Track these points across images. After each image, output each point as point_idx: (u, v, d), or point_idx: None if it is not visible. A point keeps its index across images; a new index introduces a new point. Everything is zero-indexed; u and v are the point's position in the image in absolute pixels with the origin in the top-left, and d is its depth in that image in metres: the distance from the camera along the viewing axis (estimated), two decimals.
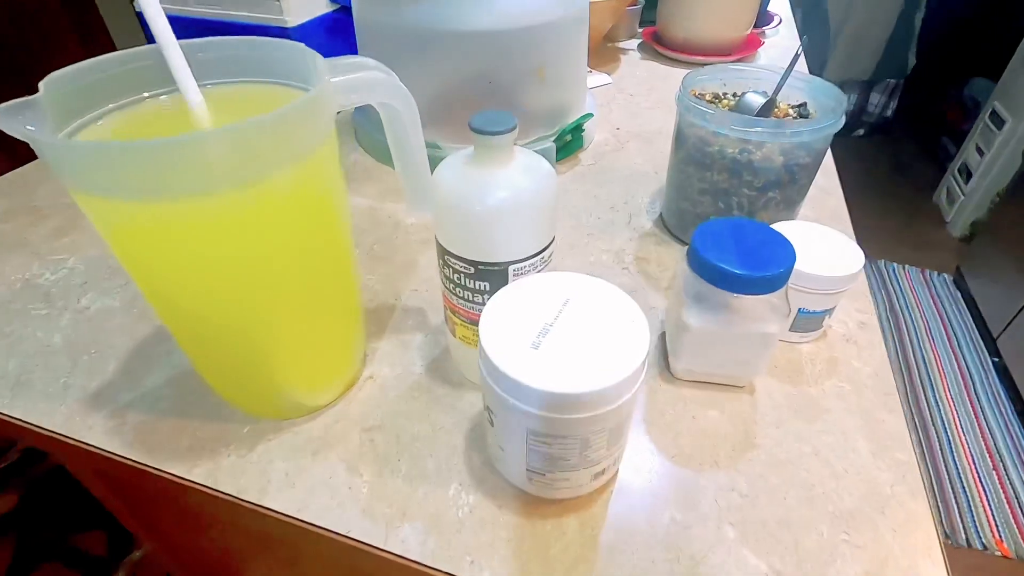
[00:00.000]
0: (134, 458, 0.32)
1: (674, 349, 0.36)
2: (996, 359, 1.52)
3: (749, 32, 0.89)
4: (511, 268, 0.30)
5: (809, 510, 0.30)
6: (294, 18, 0.61)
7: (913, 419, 1.40)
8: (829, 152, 0.61)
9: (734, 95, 0.49)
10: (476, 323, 0.32)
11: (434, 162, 0.33)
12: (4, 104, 0.23)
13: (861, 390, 0.36)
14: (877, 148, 2.56)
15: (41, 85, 0.25)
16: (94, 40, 2.36)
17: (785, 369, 0.38)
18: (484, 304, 0.29)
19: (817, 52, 2.47)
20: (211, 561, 0.57)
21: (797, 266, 0.34)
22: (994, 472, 1.28)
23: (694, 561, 0.28)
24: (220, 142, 0.23)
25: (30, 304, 0.43)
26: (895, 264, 1.86)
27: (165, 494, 0.41)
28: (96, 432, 0.34)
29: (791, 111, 0.47)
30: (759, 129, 0.40)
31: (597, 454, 0.27)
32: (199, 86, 0.28)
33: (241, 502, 0.30)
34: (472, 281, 0.30)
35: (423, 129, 0.34)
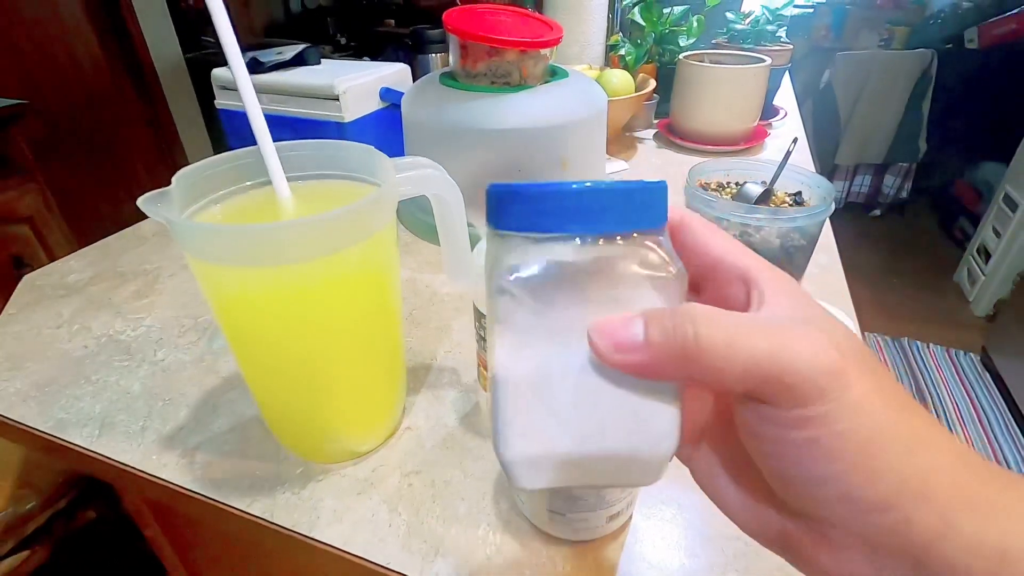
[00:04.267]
0: (202, 492, 0.37)
1: (498, 430, 0.18)
2: None
3: (756, 124, 0.97)
4: None
5: None
6: (350, 115, 0.71)
7: None
8: (831, 232, 0.66)
9: (736, 184, 0.55)
10: None
11: (471, 239, 0.39)
12: (147, 194, 0.30)
13: None
14: (894, 228, 2.61)
15: (173, 179, 0.32)
16: (160, 124, 2.60)
17: None
18: None
19: (828, 138, 2.59)
20: None
21: None
22: None
23: None
24: (310, 228, 0.29)
25: (114, 357, 0.49)
26: (919, 343, 1.85)
27: (214, 530, 0.45)
28: (169, 469, 0.38)
29: (787, 199, 0.52)
30: (758, 216, 0.46)
31: (612, 495, 0.31)
32: (288, 179, 0.35)
33: (294, 534, 0.34)
34: None
35: None
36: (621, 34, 1.12)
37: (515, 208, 0.17)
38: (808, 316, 0.17)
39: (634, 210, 0.17)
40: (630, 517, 0.35)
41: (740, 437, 0.17)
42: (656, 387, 0.17)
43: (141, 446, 0.40)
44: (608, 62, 1.13)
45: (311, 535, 0.34)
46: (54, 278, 0.62)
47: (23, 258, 1.68)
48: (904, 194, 2.65)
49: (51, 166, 1.91)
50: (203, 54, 2.79)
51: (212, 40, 3.06)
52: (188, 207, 0.32)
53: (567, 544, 0.33)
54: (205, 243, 0.29)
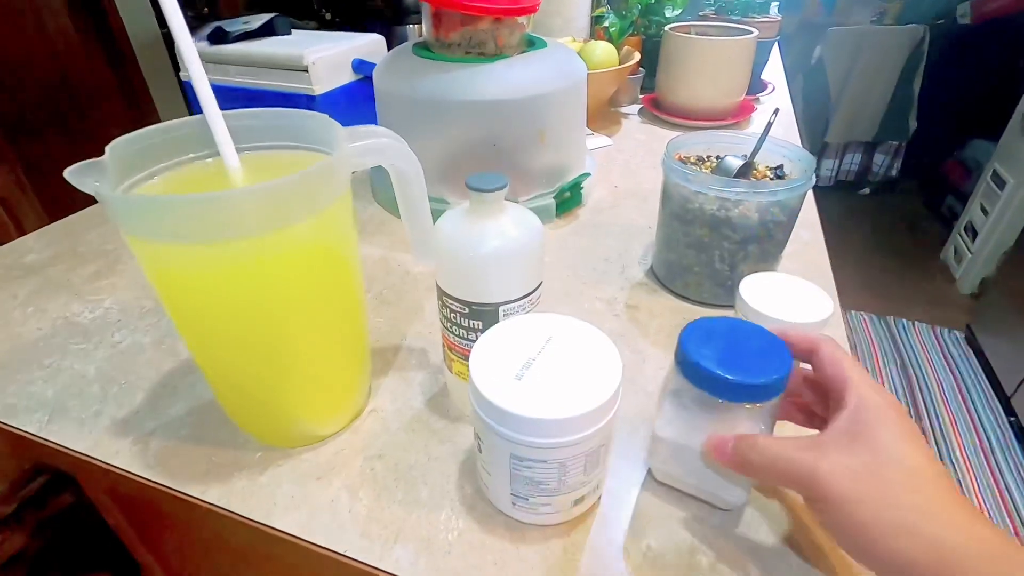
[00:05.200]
0: (155, 479, 0.35)
1: (652, 450, 0.35)
2: (1012, 418, 1.49)
3: (742, 99, 0.95)
4: (501, 308, 0.33)
5: (798, 537, 0.32)
6: (321, 87, 0.68)
7: None
8: (814, 207, 0.64)
9: (716, 157, 0.53)
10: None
11: (435, 215, 0.37)
12: (76, 165, 0.28)
13: None
14: (883, 207, 2.60)
15: (107, 149, 0.30)
16: (137, 100, 2.53)
17: None
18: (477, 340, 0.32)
19: (819, 115, 2.57)
20: None
21: (768, 312, 0.37)
22: (1016, 536, 1.23)
23: None
24: (253, 198, 0.27)
25: (70, 339, 0.47)
26: (904, 321, 1.86)
27: (176, 518, 0.43)
28: (123, 456, 0.37)
29: (769, 172, 0.51)
30: (737, 189, 0.44)
31: (575, 480, 0.29)
32: (237, 150, 0.32)
33: (250, 522, 0.33)
34: (467, 320, 0.34)
35: (436, 186, 0.38)
36: (608, 6, 1.09)
37: (701, 378, 0.29)
38: (854, 432, 0.26)
39: (761, 395, 0.28)
40: (598, 499, 0.34)
41: None
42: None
43: (93, 432, 0.39)
44: (593, 35, 1.10)
45: (268, 523, 0.33)
46: (11, 258, 0.59)
47: None
48: (894, 172, 2.65)
49: (22, 144, 1.85)
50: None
51: (192, 14, 2.96)
52: (124, 180, 0.30)
53: (532, 528, 0.32)
54: (140, 218, 0.27)
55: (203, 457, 0.37)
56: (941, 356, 1.73)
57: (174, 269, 0.29)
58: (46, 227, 0.65)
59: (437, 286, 0.35)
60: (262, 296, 0.30)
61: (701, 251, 0.48)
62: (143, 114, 2.56)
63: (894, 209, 2.59)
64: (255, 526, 0.33)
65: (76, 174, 0.28)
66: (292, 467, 0.36)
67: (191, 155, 0.33)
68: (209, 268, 0.29)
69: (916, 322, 1.86)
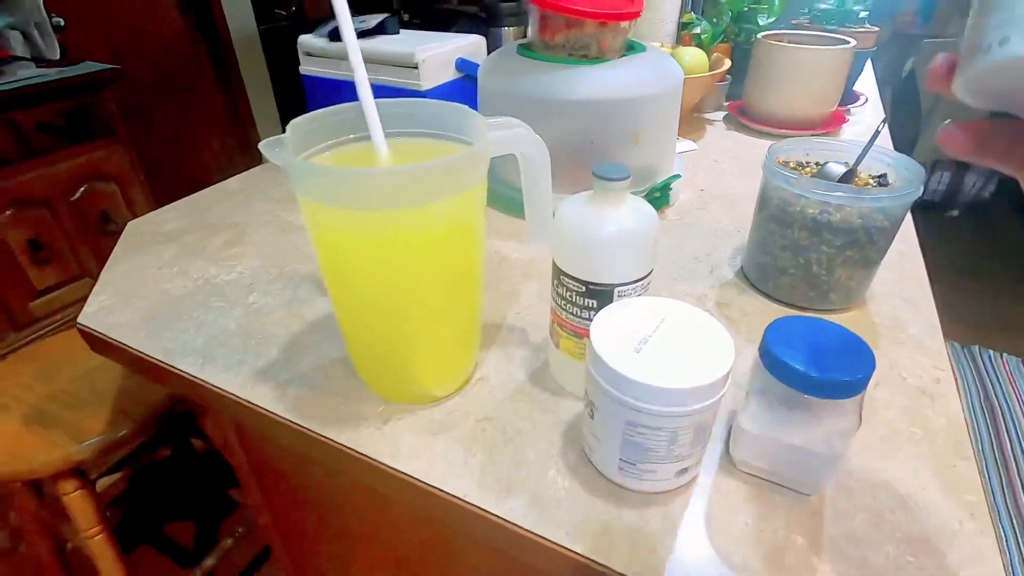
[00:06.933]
0: (296, 421, 0.40)
1: (735, 440, 0.36)
2: None
3: (834, 109, 0.94)
4: (616, 290, 0.36)
5: (877, 532, 0.33)
6: (428, 84, 0.73)
7: (1011, 519, 1.29)
8: (911, 219, 0.64)
9: (816, 164, 0.54)
10: (581, 336, 0.38)
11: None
12: (266, 140, 0.33)
13: (933, 437, 0.39)
14: (972, 230, 2.45)
15: (288, 127, 0.35)
16: (231, 89, 2.71)
17: None
18: (591, 319, 0.35)
19: (907, 130, 2.45)
20: (312, 533, 0.63)
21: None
22: None
23: (765, 561, 0.31)
24: (416, 174, 0.31)
25: (210, 298, 0.53)
26: (991, 352, 1.75)
27: (293, 462, 0.48)
28: (265, 398, 0.42)
29: (871, 181, 0.51)
30: (839, 194, 0.45)
31: (682, 450, 0.32)
32: (386, 135, 0.37)
33: (377, 463, 0.37)
34: (582, 299, 0.37)
35: None
36: (694, 13, 1.10)
37: (788, 375, 0.30)
38: None
39: (847, 391, 0.30)
40: (697, 475, 0.36)
41: None
42: (820, 458, 0.33)
43: (239, 377, 0.44)
44: (679, 41, 1.11)
45: (394, 465, 0.36)
46: (152, 226, 0.67)
47: (110, 213, 1.80)
48: (986, 194, 2.49)
49: (135, 129, 2.03)
50: (276, 26, 2.89)
51: (283, 13, 3.15)
52: (300, 152, 0.35)
53: (634, 494, 0.34)
54: (315, 183, 0.32)
55: (332, 406, 0.41)
56: None
57: (338, 231, 0.34)
58: (176, 202, 0.73)
59: (555, 266, 0.38)
60: (406, 262, 0.34)
61: (798, 254, 0.49)
62: (234, 102, 2.74)
63: (985, 232, 2.43)
64: (380, 467, 0.37)
65: (267, 147, 0.32)
66: (411, 422, 0.40)
67: (351, 135, 0.38)
68: (368, 232, 0.33)
69: (1004, 354, 1.74)
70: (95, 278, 1.87)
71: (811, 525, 0.33)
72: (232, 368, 0.45)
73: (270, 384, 0.43)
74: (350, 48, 0.35)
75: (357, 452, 0.38)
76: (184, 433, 1.07)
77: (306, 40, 0.79)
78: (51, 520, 0.90)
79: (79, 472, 0.77)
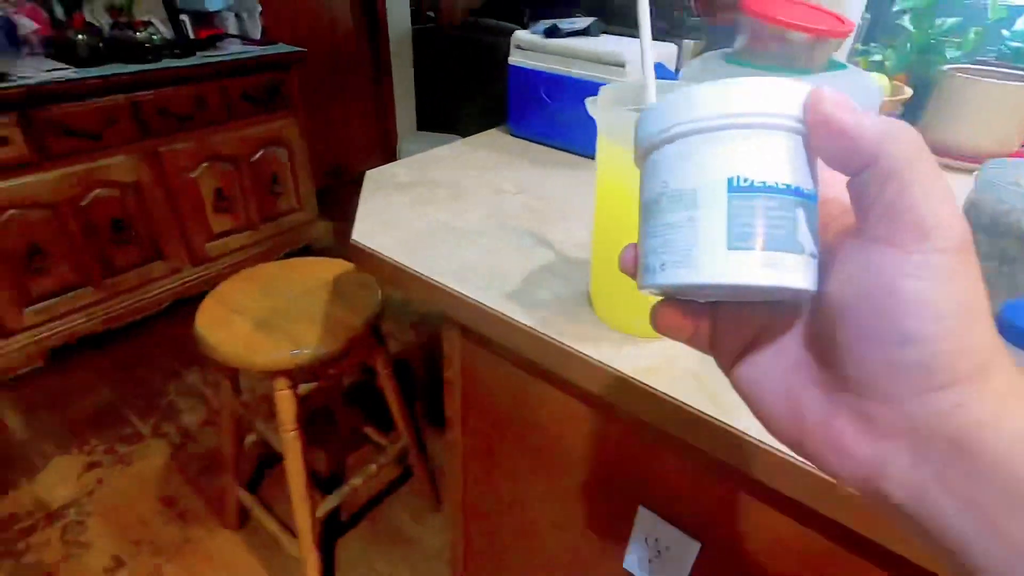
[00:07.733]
0: (548, 334, 0.48)
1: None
2: None
3: (1016, 149, 0.92)
4: None
5: None
6: (632, 80, 0.81)
7: None
8: None
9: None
10: None
11: None
12: (589, 98, 0.42)
13: None
14: None
15: (600, 91, 0.43)
16: (380, 78, 2.97)
17: None
18: None
19: None
20: (497, 455, 0.73)
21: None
22: None
23: None
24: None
25: (449, 236, 0.64)
26: None
27: (503, 388, 0.57)
28: (517, 314, 0.51)
29: None
30: None
31: (804, 238, 0.19)
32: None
33: (628, 377, 0.44)
34: None
35: None
36: (869, 41, 1.11)
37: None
38: None
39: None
40: None
41: (838, 286, 0.18)
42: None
43: (489, 296, 0.53)
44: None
45: (643, 380, 0.44)
46: (386, 178, 0.79)
47: (278, 176, 2.05)
48: None
49: (305, 105, 2.29)
50: (426, 27, 3.13)
51: (433, 14, 3.40)
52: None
53: None
54: (621, 128, 0.40)
55: (569, 330, 0.49)
56: None
57: (618, 169, 0.42)
58: (400, 160, 0.86)
59: None
60: None
61: (1003, 263, 0.52)
62: (382, 89, 2.99)
63: None
64: (618, 374, 0.45)
65: (588, 104, 0.41)
66: (638, 350, 0.47)
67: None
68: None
69: None
70: (258, 230, 2.11)
71: None
72: (482, 290, 0.54)
73: (516, 304, 0.52)
74: (644, 43, 0.44)
75: (608, 365, 0.45)
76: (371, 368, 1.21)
77: (521, 35, 0.90)
78: (240, 412, 1.06)
79: (291, 373, 0.91)
